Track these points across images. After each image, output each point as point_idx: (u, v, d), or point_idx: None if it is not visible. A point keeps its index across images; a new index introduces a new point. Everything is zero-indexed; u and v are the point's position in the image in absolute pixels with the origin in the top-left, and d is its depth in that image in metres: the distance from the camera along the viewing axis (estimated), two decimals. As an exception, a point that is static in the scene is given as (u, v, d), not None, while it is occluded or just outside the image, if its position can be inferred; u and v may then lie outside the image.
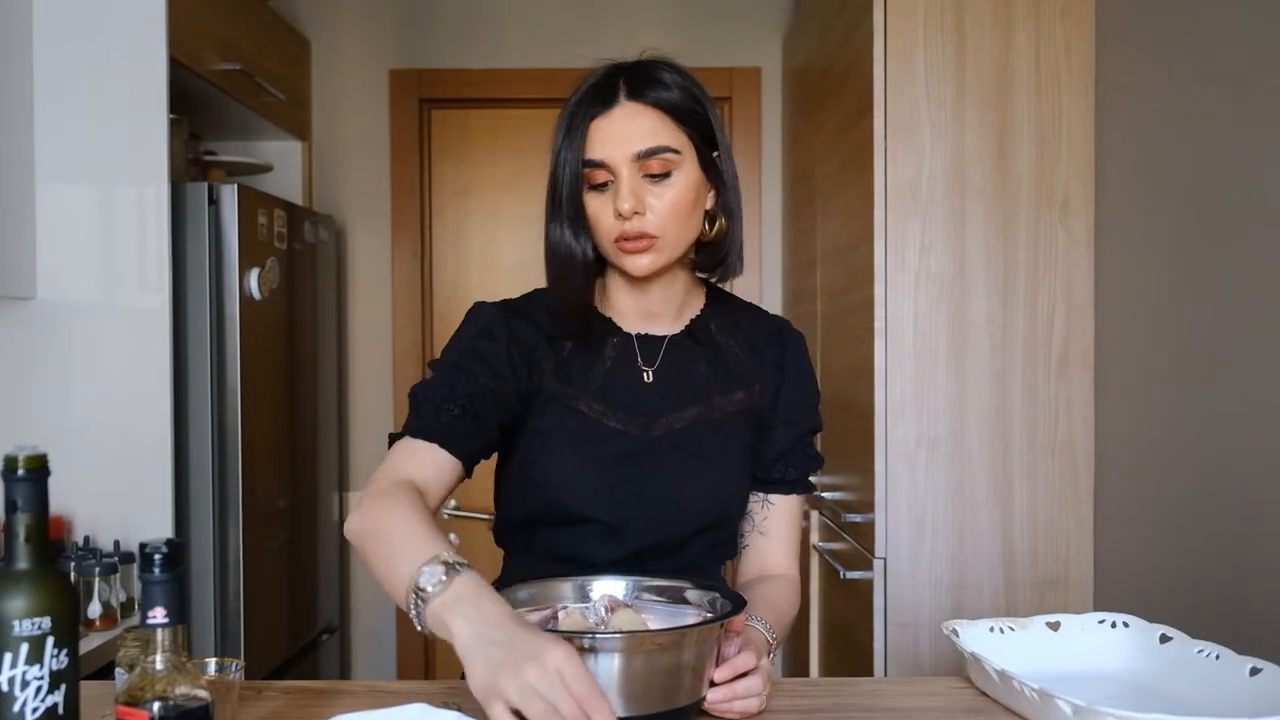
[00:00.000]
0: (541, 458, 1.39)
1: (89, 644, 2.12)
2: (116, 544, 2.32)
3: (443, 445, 1.30)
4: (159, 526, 2.41)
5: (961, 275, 2.21)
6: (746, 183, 3.63)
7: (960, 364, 2.21)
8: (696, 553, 1.44)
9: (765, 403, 1.48)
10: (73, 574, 2.19)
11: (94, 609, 2.18)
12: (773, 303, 3.60)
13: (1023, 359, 2.21)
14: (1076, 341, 2.20)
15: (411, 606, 1.05)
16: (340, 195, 3.63)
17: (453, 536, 2.94)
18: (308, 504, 3.20)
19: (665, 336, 1.46)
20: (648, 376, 1.44)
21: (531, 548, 1.45)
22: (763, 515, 1.50)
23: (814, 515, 2.82)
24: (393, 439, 1.34)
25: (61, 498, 2.37)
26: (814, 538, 2.81)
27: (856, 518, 2.33)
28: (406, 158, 3.63)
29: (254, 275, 2.66)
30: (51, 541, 2.22)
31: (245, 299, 2.64)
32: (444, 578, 1.04)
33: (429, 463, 1.29)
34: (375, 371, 3.65)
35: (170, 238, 2.44)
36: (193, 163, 2.85)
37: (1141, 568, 2.02)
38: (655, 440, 1.41)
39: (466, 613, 1.01)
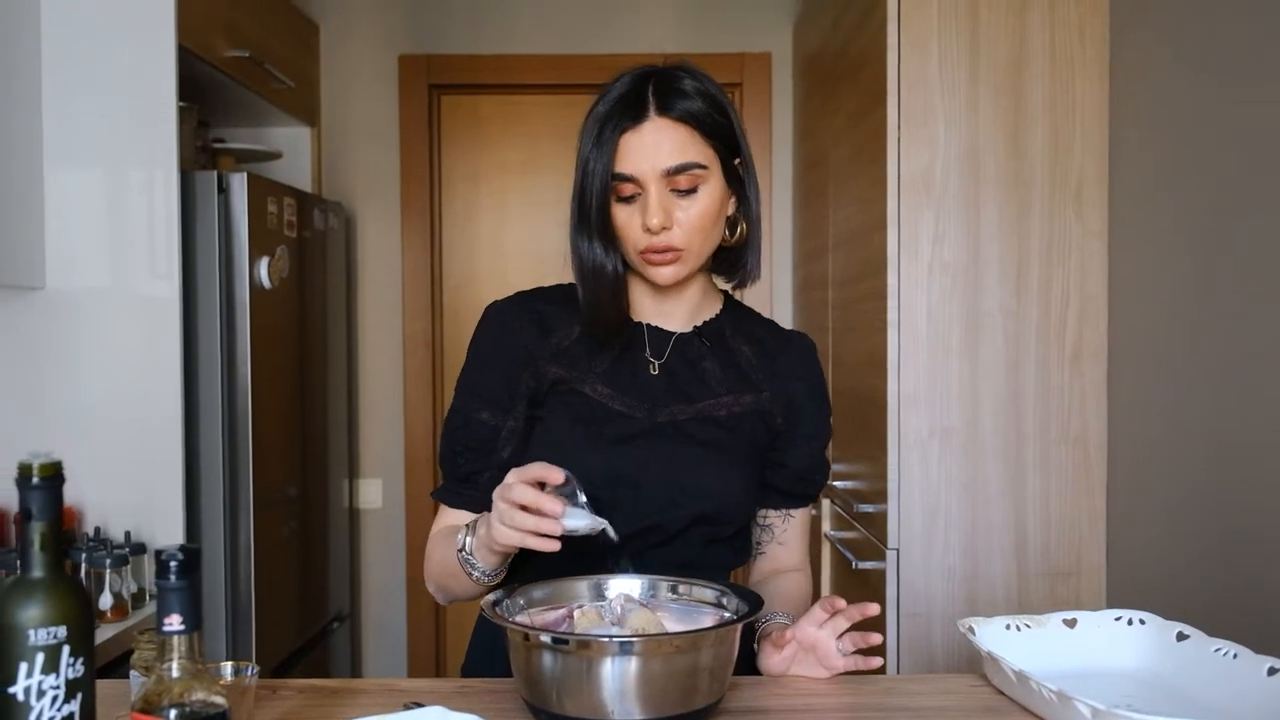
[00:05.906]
0: (544, 437, 1.42)
1: (101, 635, 2.12)
2: (127, 535, 2.32)
3: (469, 509, 1.44)
4: (170, 516, 2.41)
5: (975, 265, 2.19)
6: (756, 168, 3.61)
7: (973, 355, 2.19)
8: (694, 545, 1.42)
9: (776, 411, 1.48)
10: (84, 566, 2.19)
11: (105, 600, 2.18)
12: (783, 290, 3.59)
13: (1036, 350, 2.19)
14: (1090, 333, 2.19)
15: (467, 561, 1.33)
16: (350, 182, 3.62)
17: None
18: (318, 492, 3.20)
19: (675, 333, 1.48)
20: (654, 368, 1.46)
21: None
22: (783, 528, 1.53)
23: (825, 504, 2.81)
24: (434, 496, 1.51)
25: (72, 488, 2.35)
26: (825, 526, 2.80)
27: (869, 508, 2.32)
28: (416, 144, 3.61)
29: (264, 264, 2.66)
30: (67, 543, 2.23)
31: (255, 287, 2.63)
32: (465, 536, 1.33)
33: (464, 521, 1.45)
34: (386, 358, 3.65)
35: (180, 226, 2.43)
36: (202, 150, 2.84)
37: (1154, 559, 2.01)
38: (659, 426, 1.42)
39: (477, 530, 1.30)
